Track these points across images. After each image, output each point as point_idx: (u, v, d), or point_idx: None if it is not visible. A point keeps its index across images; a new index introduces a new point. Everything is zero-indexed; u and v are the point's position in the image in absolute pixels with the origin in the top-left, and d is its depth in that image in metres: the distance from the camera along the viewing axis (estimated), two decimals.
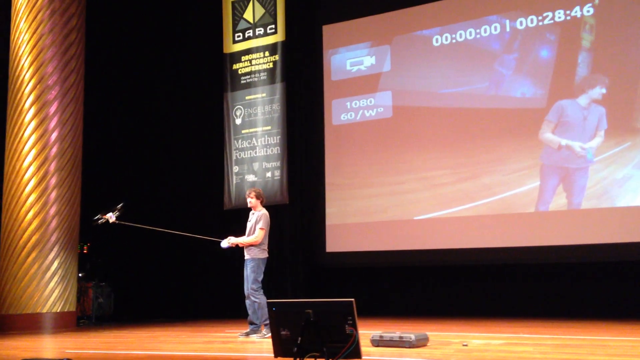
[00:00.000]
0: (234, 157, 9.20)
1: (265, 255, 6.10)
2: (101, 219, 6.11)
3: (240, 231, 8.96)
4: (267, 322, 5.73)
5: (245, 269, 6.09)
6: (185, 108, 9.72)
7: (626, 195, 6.91)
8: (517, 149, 7.55)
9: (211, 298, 9.11)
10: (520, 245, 7.44)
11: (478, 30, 7.96)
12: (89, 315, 8.70)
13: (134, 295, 9.42)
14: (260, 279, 6.02)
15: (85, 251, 8.96)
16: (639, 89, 6.98)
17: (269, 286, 8.65)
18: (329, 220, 8.68)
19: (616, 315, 6.83)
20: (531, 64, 7.65)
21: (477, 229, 7.68)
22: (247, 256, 6.09)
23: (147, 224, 9.46)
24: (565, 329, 6.03)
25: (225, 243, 6.15)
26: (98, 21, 9.50)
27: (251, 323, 6.04)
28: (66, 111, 7.96)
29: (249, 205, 6.23)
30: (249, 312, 6.05)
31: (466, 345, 4.88)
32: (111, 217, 6.09)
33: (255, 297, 5.94)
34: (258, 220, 6.08)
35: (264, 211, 6.17)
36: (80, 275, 8.46)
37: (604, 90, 6.94)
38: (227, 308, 8.91)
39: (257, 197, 6.19)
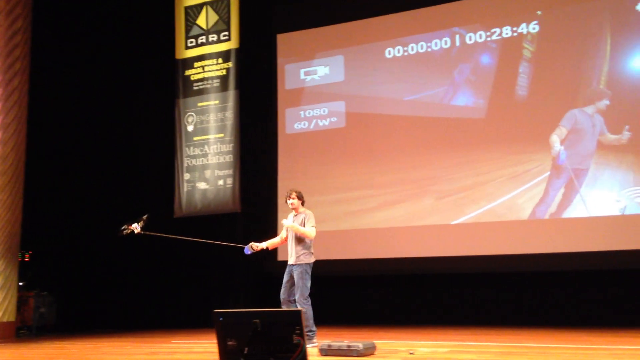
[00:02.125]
0: (185, 165, 9.06)
1: (313, 259, 5.81)
2: (126, 229, 5.87)
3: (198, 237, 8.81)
4: (310, 333, 5.57)
5: (287, 274, 5.80)
6: (135, 113, 9.54)
7: (574, 207, 7.14)
8: (463, 157, 7.72)
9: (158, 308, 8.92)
10: (466, 254, 7.59)
11: (429, 44, 8.11)
12: (29, 325, 8.39)
13: (78, 305, 9.13)
14: (309, 285, 5.68)
15: (26, 259, 8.64)
16: (579, 99, 7.24)
17: (220, 296, 8.59)
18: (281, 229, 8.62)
19: (561, 323, 7.02)
20: (475, 75, 7.82)
21: (426, 238, 7.80)
22: (292, 261, 5.77)
23: (92, 231, 9.28)
24: (510, 337, 6.16)
25: (247, 250, 5.91)
26: (45, 23, 9.24)
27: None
28: (9, 114, 7.70)
29: (290, 207, 5.95)
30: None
31: (413, 354, 4.93)
32: (136, 227, 5.85)
33: (302, 306, 5.59)
34: (307, 220, 5.79)
35: (310, 211, 5.89)
36: (20, 284, 8.15)
37: (608, 102, 7.12)
38: (174, 318, 8.76)
39: (299, 197, 5.92)
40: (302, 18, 8.98)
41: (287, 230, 5.92)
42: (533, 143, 7.41)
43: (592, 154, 7.12)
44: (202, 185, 8.92)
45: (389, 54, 8.32)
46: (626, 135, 6.91)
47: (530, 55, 7.55)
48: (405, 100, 8.16)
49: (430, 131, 7.99)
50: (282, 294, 5.78)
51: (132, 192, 9.37)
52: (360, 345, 4.90)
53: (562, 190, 7.20)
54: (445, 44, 8.02)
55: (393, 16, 8.39)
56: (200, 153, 8.99)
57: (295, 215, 5.92)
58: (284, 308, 5.71)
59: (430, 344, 5.72)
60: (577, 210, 7.12)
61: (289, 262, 5.81)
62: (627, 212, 6.87)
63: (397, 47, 8.28)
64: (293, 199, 5.91)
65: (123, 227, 5.90)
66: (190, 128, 9.10)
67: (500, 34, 7.71)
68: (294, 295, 5.73)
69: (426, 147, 7.99)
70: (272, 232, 8.63)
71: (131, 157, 9.49)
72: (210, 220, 8.70)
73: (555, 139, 7.28)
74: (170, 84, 9.26)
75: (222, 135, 8.87)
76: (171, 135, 9.15)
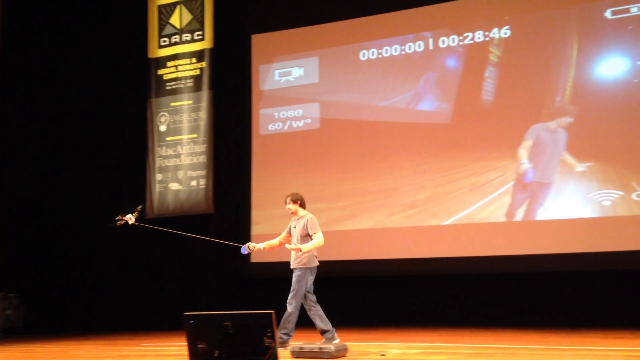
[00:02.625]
0: (157, 165, 8.97)
1: (315, 263, 5.65)
2: (120, 220, 5.78)
3: (170, 238, 8.75)
4: (285, 339, 5.49)
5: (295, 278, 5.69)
6: (106, 112, 9.39)
7: (539, 215, 7.26)
8: (427, 165, 7.81)
9: (127, 310, 8.80)
10: (436, 256, 7.65)
11: (403, 47, 8.17)
12: None
13: (46, 307, 8.97)
14: (303, 289, 5.54)
15: None
16: (544, 109, 7.37)
17: (191, 298, 8.52)
18: (255, 230, 8.61)
19: (529, 324, 7.12)
20: (441, 79, 7.90)
21: (395, 241, 7.84)
22: (293, 265, 5.64)
23: (61, 232, 9.13)
24: (480, 338, 6.24)
25: (244, 249, 5.79)
26: (15, 19, 9.07)
27: (323, 332, 5.57)
28: None
29: (289, 212, 5.83)
30: (316, 322, 5.57)
31: (384, 355, 4.96)
32: (130, 218, 5.77)
33: (290, 308, 5.51)
34: (309, 226, 5.62)
35: (311, 215, 5.74)
36: None
37: (571, 120, 7.19)
38: (144, 320, 8.65)
39: (295, 201, 5.77)
40: (277, 19, 8.96)
41: (288, 233, 5.79)
42: (497, 149, 7.50)
43: (554, 169, 7.21)
44: (174, 186, 8.84)
45: (364, 56, 8.36)
46: (582, 167, 6.98)
47: (496, 60, 7.65)
48: (378, 104, 8.19)
49: (400, 136, 8.04)
50: (302, 302, 5.65)
51: (102, 193, 9.24)
52: (332, 348, 4.93)
53: (527, 201, 7.29)
54: (419, 47, 8.08)
55: (368, 19, 8.42)
56: (173, 153, 8.91)
57: (297, 220, 5.79)
58: (311, 313, 5.59)
59: (402, 345, 5.76)
60: (542, 216, 7.22)
61: (291, 266, 5.70)
62: (593, 215, 7.00)
63: (372, 50, 8.32)
64: (288, 203, 5.81)
65: (117, 218, 5.82)
66: (162, 128, 9.02)
67: (472, 39, 7.80)
68: (312, 295, 5.65)
69: (395, 152, 8.04)
70: (246, 233, 8.61)
71: (102, 157, 9.35)
72: (182, 222, 8.62)
73: (523, 153, 7.36)
74: (142, 83, 9.15)
75: (195, 135, 8.80)
76: (143, 135, 9.05)
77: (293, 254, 5.65)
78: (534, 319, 7.24)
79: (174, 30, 9.08)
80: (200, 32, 8.93)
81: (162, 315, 8.56)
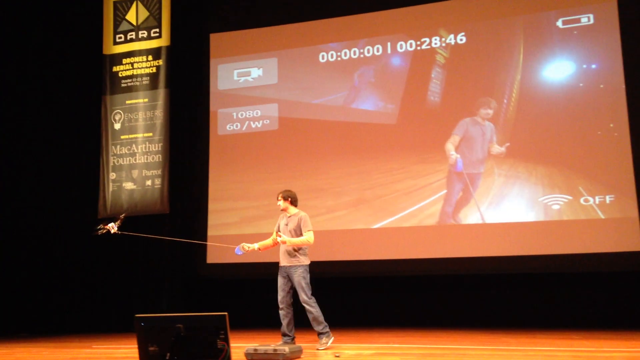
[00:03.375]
0: (111, 164, 8.79)
1: (309, 261, 5.67)
2: (102, 229, 5.62)
3: (122, 239, 8.57)
4: (325, 331, 5.52)
5: (284, 277, 5.64)
6: (58, 109, 9.13)
7: (479, 215, 7.43)
8: (364, 167, 7.93)
9: (77, 311, 8.59)
10: (385, 258, 7.73)
11: (362, 50, 8.24)
12: None
13: None
14: (309, 284, 5.57)
15: None
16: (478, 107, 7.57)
17: (146, 299, 8.38)
18: (211, 231, 8.53)
19: (480, 325, 7.27)
20: (389, 80, 8.04)
21: (344, 242, 7.88)
22: (290, 263, 5.61)
23: (8, 232, 8.84)
24: (432, 339, 6.34)
25: (238, 250, 5.69)
26: None
27: (284, 335, 5.60)
28: None
29: (280, 208, 5.78)
30: (283, 322, 5.60)
31: (339, 357, 4.99)
32: (113, 227, 5.62)
33: (310, 306, 5.50)
34: (301, 224, 5.62)
35: (304, 213, 5.73)
36: None
37: (491, 111, 7.41)
38: (95, 322, 8.46)
39: (285, 198, 5.74)
40: (236, 18, 8.90)
41: (276, 233, 5.73)
42: (443, 152, 7.67)
43: (483, 161, 7.45)
44: (129, 185, 8.68)
45: (323, 58, 8.39)
46: (498, 149, 7.27)
47: (443, 61, 7.81)
48: (336, 106, 8.24)
49: (350, 136, 8.11)
50: (281, 299, 5.64)
51: (53, 192, 8.99)
52: (287, 349, 4.92)
53: (460, 194, 7.49)
54: (378, 51, 8.17)
55: (327, 21, 8.46)
56: (127, 152, 8.75)
57: (289, 217, 5.76)
58: (283, 313, 5.60)
59: (356, 346, 5.80)
60: (486, 217, 7.40)
61: (283, 264, 5.66)
62: (541, 219, 7.20)
63: (331, 52, 8.36)
64: (279, 200, 5.79)
65: (99, 227, 5.69)
66: (117, 126, 8.84)
67: (429, 44, 7.93)
68: (291, 298, 5.63)
69: (337, 152, 8.14)
70: (202, 233, 8.51)
71: (53, 154, 9.08)
72: (136, 222, 8.48)
73: (449, 146, 7.57)
74: (96, 80, 8.95)
75: (151, 134, 8.67)
76: (97, 133, 8.85)
77: (286, 254, 5.63)
78: (484, 320, 7.40)
79: (130, 27, 8.92)
80: (157, 30, 8.79)
81: (114, 317, 8.39)
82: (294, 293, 5.68)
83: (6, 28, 9.26)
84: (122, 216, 5.82)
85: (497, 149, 7.30)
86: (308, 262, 5.69)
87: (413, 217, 7.66)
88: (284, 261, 5.69)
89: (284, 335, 5.65)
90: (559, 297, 7.28)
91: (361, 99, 8.14)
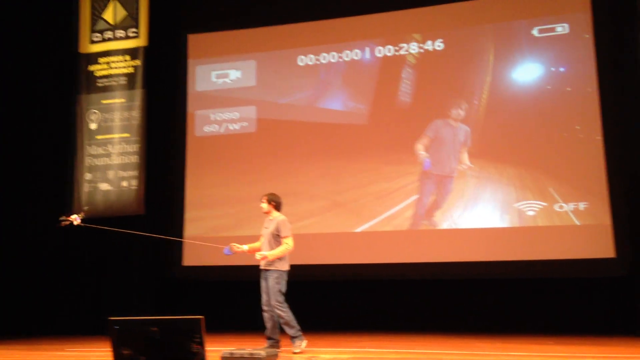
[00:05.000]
0: (86, 164, 8.66)
1: (287, 267, 5.62)
2: (65, 220, 5.58)
3: (95, 240, 8.43)
4: (297, 335, 5.46)
5: (264, 280, 5.61)
6: (31, 108, 8.96)
7: (456, 219, 7.49)
8: (341, 167, 7.94)
9: (49, 312, 8.44)
10: (362, 262, 7.76)
11: (340, 55, 8.26)
12: None
13: None
14: (284, 290, 5.54)
15: None
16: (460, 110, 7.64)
17: (116, 302, 8.25)
18: (187, 232, 8.46)
19: (454, 329, 7.31)
20: (359, 79, 8.07)
21: (326, 245, 7.89)
22: (266, 267, 5.58)
23: None
24: (408, 343, 6.37)
25: (227, 250, 5.66)
26: None
27: (269, 338, 5.55)
28: None
29: (262, 210, 5.75)
30: (267, 325, 5.56)
31: None
32: (76, 219, 5.60)
33: (280, 311, 5.47)
34: (280, 229, 5.58)
35: (283, 217, 5.68)
36: None
37: (463, 112, 7.49)
38: (66, 324, 8.31)
39: (269, 201, 5.70)
40: (215, 20, 8.85)
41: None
42: (413, 153, 7.73)
43: (454, 162, 7.51)
44: (104, 186, 8.56)
45: (301, 61, 8.39)
46: (464, 166, 7.38)
47: (414, 61, 7.87)
48: (314, 109, 8.25)
49: (327, 137, 8.12)
50: (264, 302, 5.61)
51: (27, 192, 8.82)
52: (263, 353, 4.91)
53: (433, 197, 7.55)
54: (356, 55, 8.20)
55: (306, 24, 8.47)
56: (103, 152, 8.64)
57: (270, 220, 5.73)
58: (267, 316, 5.56)
59: (332, 350, 5.80)
60: (462, 222, 7.46)
61: (262, 267, 5.63)
62: (513, 225, 7.28)
63: (309, 56, 8.37)
64: (263, 202, 5.76)
65: (61, 218, 5.65)
66: (93, 126, 8.72)
67: (407, 50, 7.98)
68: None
69: (306, 153, 8.15)
70: (178, 235, 8.42)
71: (26, 154, 8.91)
72: (111, 223, 8.35)
73: (419, 147, 7.65)
74: (72, 79, 8.82)
75: (127, 135, 8.57)
76: (71, 132, 8.71)
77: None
78: (458, 325, 7.44)
79: (107, 26, 8.81)
80: (135, 30, 8.70)
81: (86, 319, 8.26)
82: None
83: None
84: (85, 208, 5.81)
85: (465, 161, 7.33)
86: (285, 268, 5.64)
87: (387, 221, 7.69)
88: (262, 264, 5.66)
89: (269, 338, 5.60)
90: (533, 302, 7.37)
91: (330, 98, 8.14)
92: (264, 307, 5.62)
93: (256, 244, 5.84)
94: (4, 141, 8.96)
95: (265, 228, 5.75)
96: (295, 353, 5.45)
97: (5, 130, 8.98)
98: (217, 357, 4.97)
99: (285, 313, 5.52)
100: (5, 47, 9.08)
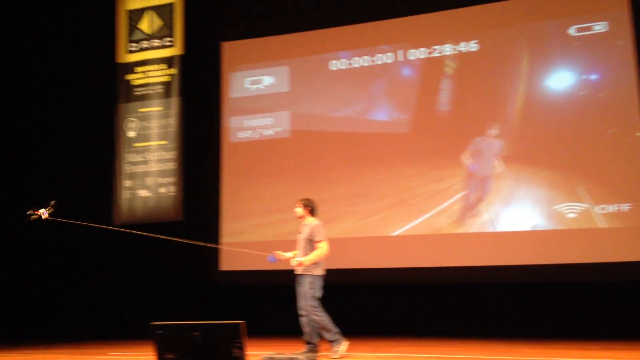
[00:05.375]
0: (125, 171, 8.85)
1: (321, 271, 5.59)
2: (33, 214, 5.62)
3: (137, 246, 8.59)
4: (335, 338, 5.43)
5: (299, 285, 5.61)
6: (74, 118, 9.21)
7: (492, 222, 7.39)
8: (389, 173, 7.94)
9: (93, 316, 8.63)
10: (407, 266, 7.71)
11: (373, 58, 8.25)
12: None
13: (9, 315, 8.73)
14: (318, 295, 5.51)
15: None
16: (497, 119, 7.56)
17: (160, 306, 8.39)
18: (224, 239, 8.56)
19: (501, 335, 7.18)
20: (401, 90, 8.05)
21: (365, 249, 7.87)
22: (300, 271, 5.58)
23: (25, 238, 8.91)
24: (450, 348, 6.32)
25: (272, 257, 5.66)
26: None
27: (308, 343, 5.53)
28: None
29: (297, 215, 5.75)
30: (305, 330, 5.54)
31: None
32: (44, 213, 5.63)
33: (315, 315, 5.44)
34: (313, 233, 5.57)
35: (317, 222, 5.66)
36: None
37: (496, 132, 7.47)
38: (108, 328, 8.50)
39: (305, 206, 5.71)
40: (248, 27, 8.95)
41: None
42: (453, 158, 7.69)
43: (491, 170, 7.48)
44: (143, 193, 8.73)
45: (334, 66, 8.41)
46: (501, 168, 7.39)
47: (451, 72, 7.82)
48: (347, 114, 8.25)
49: (369, 145, 8.12)
50: (300, 306, 5.61)
51: (70, 199, 9.03)
52: (302, 357, 4.94)
53: (477, 194, 7.52)
54: (389, 59, 8.18)
55: (338, 29, 8.49)
56: (141, 160, 8.81)
57: (304, 226, 5.73)
58: (305, 320, 5.54)
59: (371, 355, 5.78)
60: (503, 223, 7.36)
61: (296, 272, 5.64)
62: (555, 227, 7.15)
63: (342, 60, 8.38)
64: (298, 207, 5.76)
65: (29, 213, 5.65)
66: (131, 134, 8.91)
67: (441, 52, 7.93)
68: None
69: (360, 161, 8.13)
70: (215, 240, 8.53)
71: (69, 162, 9.16)
72: (150, 229, 8.50)
73: (464, 156, 7.65)
74: (111, 89, 9.03)
75: (164, 142, 8.72)
76: (110, 141, 8.92)
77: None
78: (501, 330, 7.31)
79: (144, 36, 9.00)
80: (170, 39, 8.86)
81: (127, 323, 8.42)
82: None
83: (20, 36, 9.37)
84: (52, 202, 5.79)
85: (498, 168, 7.42)
86: (319, 273, 5.61)
87: (429, 224, 7.64)
88: (297, 269, 5.68)
89: (308, 343, 5.58)
90: (577, 306, 7.19)
91: (376, 110, 8.14)
92: (301, 312, 5.63)
93: (298, 251, 5.84)
94: (48, 149, 9.23)
95: (300, 233, 5.76)
96: (333, 358, 5.43)
97: (49, 139, 9.25)
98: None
99: (320, 317, 5.49)
100: (48, 59, 9.36)
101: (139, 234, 6.26)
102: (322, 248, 5.57)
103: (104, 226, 6.47)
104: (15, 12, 9.41)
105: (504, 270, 7.34)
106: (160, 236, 6.52)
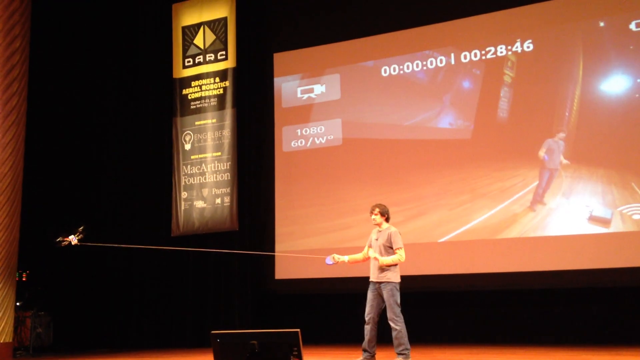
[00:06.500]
0: (182, 183, 9.08)
1: (399, 278, 5.54)
2: (63, 241, 5.85)
3: (195, 257, 8.76)
4: (405, 353, 5.43)
5: (374, 292, 5.57)
6: (133, 132, 9.54)
7: (561, 224, 7.17)
8: (453, 179, 7.83)
9: (156, 326, 8.87)
10: (468, 272, 7.58)
11: (425, 62, 8.19)
12: (26, 346, 8.35)
13: (75, 325, 9.09)
14: (399, 302, 5.48)
15: (24, 279, 8.62)
16: (554, 124, 7.42)
17: (217, 315, 8.56)
18: (279, 247, 8.64)
19: (562, 341, 7.00)
20: (460, 97, 7.96)
21: (419, 256, 7.79)
22: (378, 279, 5.54)
23: (89, 250, 9.25)
24: (508, 356, 6.15)
25: (329, 260, 5.72)
26: (44, 43, 9.32)
27: (365, 351, 5.53)
28: (7, 134, 7.70)
29: (373, 222, 5.73)
30: (366, 338, 5.53)
31: None
32: (73, 239, 5.83)
33: (396, 324, 5.41)
34: (391, 239, 5.56)
35: (394, 228, 5.65)
36: (18, 304, 8.12)
37: (563, 135, 7.39)
38: (173, 336, 8.70)
39: (382, 214, 5.69)
40: (298, 37, 9.05)
41: (368, 248, 5.73)
42: (516, 160, 7.58)
43: (558, 166, 7.39)
44: (199, 204, 8.93)
45: (385, 72, 8.39)
46: (565, 162, 7.35)
47: (510, 81, 7.73)
48: (403, 123, 8.21)
49: (422, 151, 8.05)
50: (368, 314, 5.57)
51: (128, 211, 9.36)
52: None
53: (547, 184, 7.44)
54: (441, 62, 8.10)
55: (388, 35, 8.46)
56: (197, 171, 9.02)
57: (380, 232, 5.71)
58: (369, 328, 5.54)
59: None
60: (563, 229, 7.15)
61: (373, 279, 5.61)
62: (619, 230, 6.89)
63: (393, 66, 8.35)
64: (375, 214, 5.71)
65: (59, 239, 5.83)
66: (187, 146, 9.14)
67: (495, 52, 7.80)
68: (377, 315, 5.58)
69: (419, 167, 8.05)
70: (270, 248, 8.63)
71: (128, 175, 9.48)
72: (206, 239, 8.70)
73: (541, 152, 7.52)
74: (168, 103, 9.30)
75: (219, 153, 8.90)
76: (169, 154, 9.18)
77: (376, 269, 5.57)
78: (562, 336, 7.12)
79: (198, 51, 9.24)
80: (223, 52, 9.06)
81: (189, 332, 8.61)
82: (381, 310, 5.58)
83: (83, 56, 9.79)
84: (80, 229, 5.92)
85: (563, 161, 7.42)
86: (398, 280, 5.54)
87: (509, 207, 7.52)
88: (373, 276, 5.61)
89: (365, 351, 5.55)
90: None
91: (440, 117, 8.08)
92: (366, 319, 5.56)
93: (357, 256, 5.81)
94: (108, 163, 9.58)
95: (375, 240, 5.70)
96: None
97: (109, 153, 9.61)
98: None
99: (399, 326, 5.41)
100: (108, 76, 9.74)
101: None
102: (401, 255, 5.54)
103: (136, 246, 6.66)
104: (79, 32, 9.84)
105: (567, 275, 7.11)
106: (211, 249, 6.62)
